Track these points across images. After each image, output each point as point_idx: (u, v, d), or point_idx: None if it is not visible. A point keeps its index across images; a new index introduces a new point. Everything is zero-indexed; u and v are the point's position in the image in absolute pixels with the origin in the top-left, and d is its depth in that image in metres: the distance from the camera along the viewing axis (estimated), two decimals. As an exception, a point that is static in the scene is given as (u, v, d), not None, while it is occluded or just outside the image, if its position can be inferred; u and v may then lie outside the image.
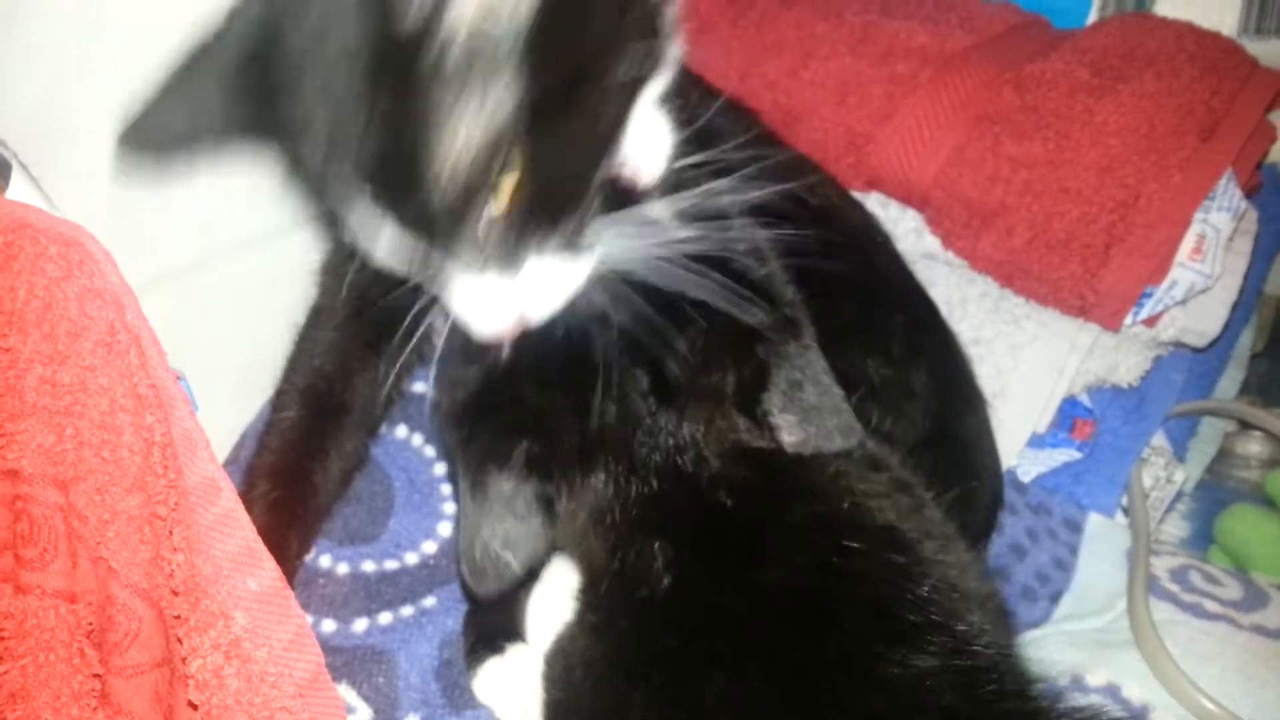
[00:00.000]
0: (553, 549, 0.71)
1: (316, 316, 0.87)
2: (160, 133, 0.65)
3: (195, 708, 0.55)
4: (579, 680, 0.66)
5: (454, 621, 0.80)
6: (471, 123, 0.55)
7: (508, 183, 0.58)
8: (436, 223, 0.58)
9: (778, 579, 0.61)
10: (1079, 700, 0.61)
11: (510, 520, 0.66)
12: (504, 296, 0.61)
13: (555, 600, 0.76)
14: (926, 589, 0.61)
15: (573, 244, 0.62)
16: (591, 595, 0.67)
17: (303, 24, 0.58)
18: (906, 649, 0.58)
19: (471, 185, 0.56)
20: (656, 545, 0.63)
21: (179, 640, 0.56)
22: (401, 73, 0.54)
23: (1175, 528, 1.06)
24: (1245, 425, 1.10)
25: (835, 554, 0.62)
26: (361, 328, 0.83)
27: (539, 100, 0.56)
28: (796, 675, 0.58)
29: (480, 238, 0.59)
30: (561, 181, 0.61)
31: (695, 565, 0.63)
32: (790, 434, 0.67)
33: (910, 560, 0.63)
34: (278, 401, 0.86)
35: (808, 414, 0.67)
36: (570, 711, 0.67)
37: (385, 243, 0.60)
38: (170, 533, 0.56)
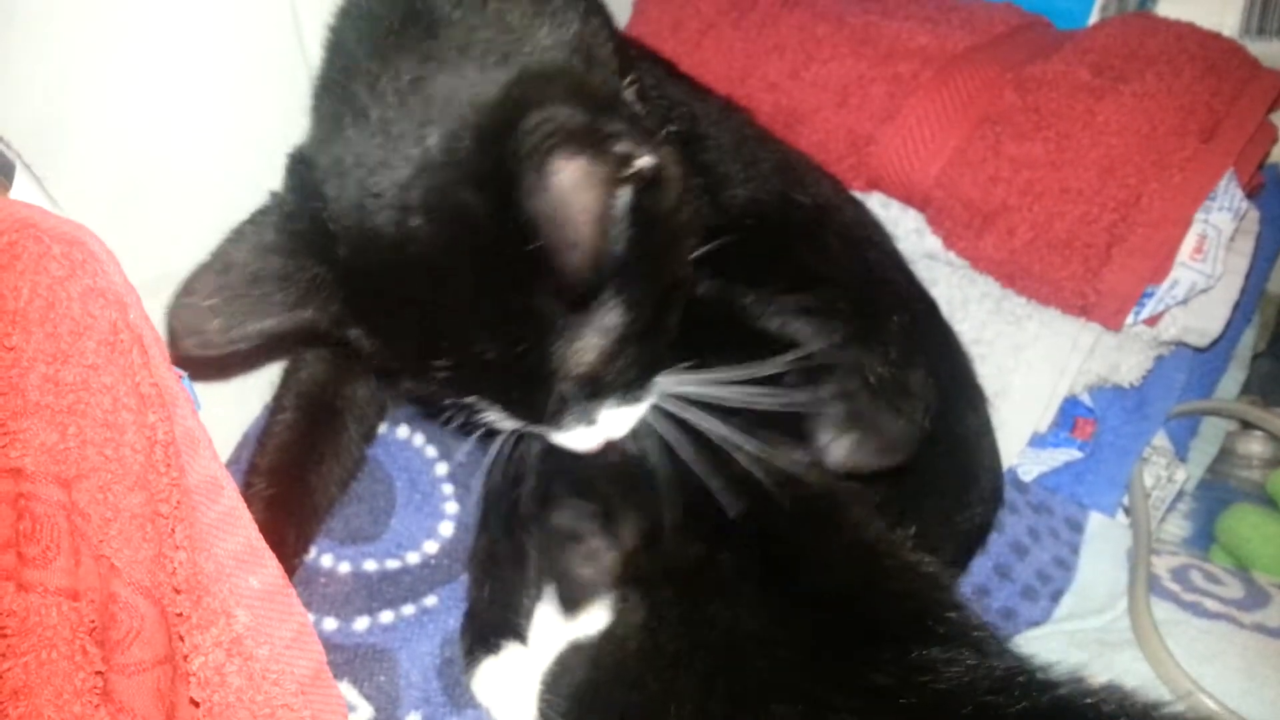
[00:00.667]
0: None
1: None
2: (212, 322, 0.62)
3: (197, 705, 0.55)
4: (614, 676, 0.67)
5: (455, 620, 0.80)
6: (595, 333, 0.61)
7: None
8: (541, 409, 0.64)
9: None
10: (1093, 684, 0.62)
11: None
12: (589, 436, 0.67)
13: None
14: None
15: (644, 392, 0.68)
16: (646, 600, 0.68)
17: (408, 231, 0.58)
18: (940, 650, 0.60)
19: (585, 379, 0.63)
20: (718, 556, 0.66)
21: (181, 638, 0.57)
22: (526, 290, 0.58)
23: (1176, 527, 1.06)
24: (1247, 425, 1.10)
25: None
26: None
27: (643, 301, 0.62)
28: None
29: (574, 411, 0.65)
30: (646, 353, 0.65)
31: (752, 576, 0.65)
32: (836, 455, 0.69)
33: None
34: (275, 405, 0.86)
35: (854, 431, 0.68)
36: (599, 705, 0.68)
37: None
38: (172, 531, 0.57)
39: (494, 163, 0.55)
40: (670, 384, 0.68)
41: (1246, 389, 1.14)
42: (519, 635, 0.75)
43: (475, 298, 0.58)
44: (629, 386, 0.66)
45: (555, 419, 0.65)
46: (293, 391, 0.85)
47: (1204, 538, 1.04)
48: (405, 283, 0.59)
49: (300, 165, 0.64)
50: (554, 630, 0.76)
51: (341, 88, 0.64)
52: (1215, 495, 1.07)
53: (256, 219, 0.62)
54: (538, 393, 0.62)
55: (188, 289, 0.59)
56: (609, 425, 0.67)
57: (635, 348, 0.63)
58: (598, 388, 0.64)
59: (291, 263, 0.59)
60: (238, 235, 0.61)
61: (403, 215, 0.58)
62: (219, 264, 0.59)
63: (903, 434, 0.70)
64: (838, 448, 0.68)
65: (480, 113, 0.57)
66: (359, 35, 0.66)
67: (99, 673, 0.54)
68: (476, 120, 0.57)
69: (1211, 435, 1.09)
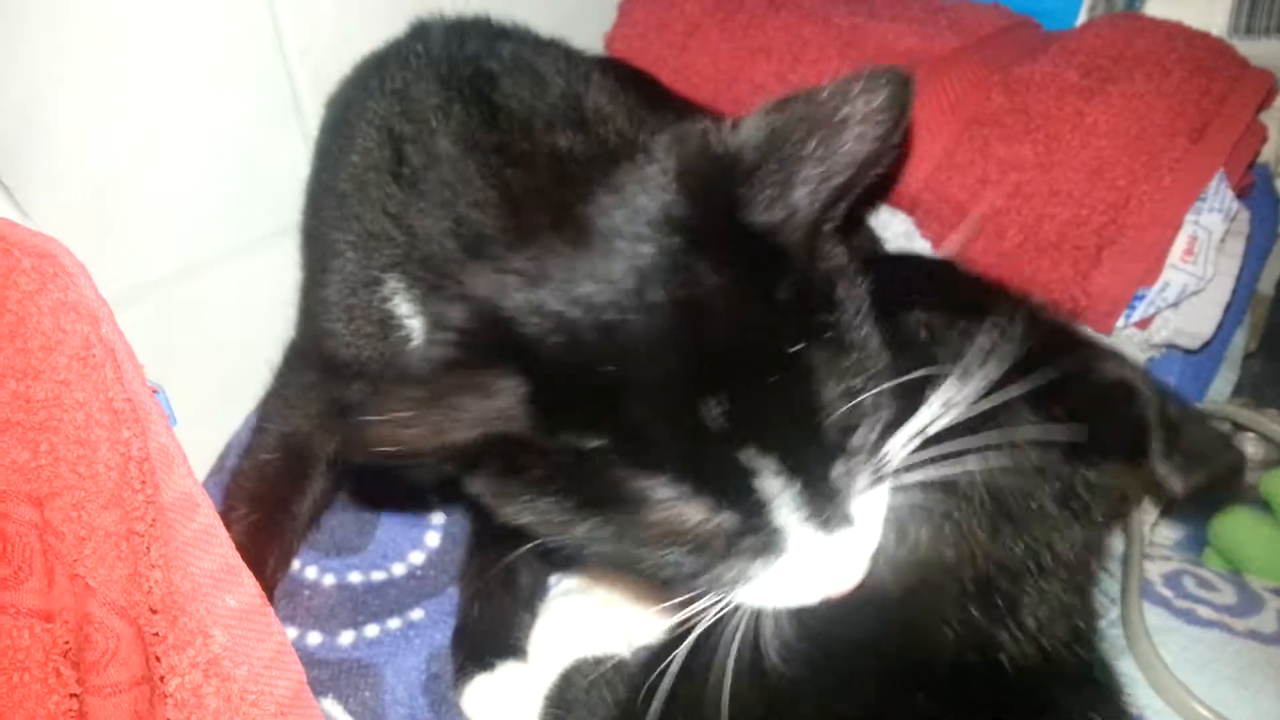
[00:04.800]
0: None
1: (295, 358, 0.86)
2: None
3: (174, 727, 0.54)
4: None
5: (442, 635, 0.79)
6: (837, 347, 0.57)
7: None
8: (817, 453, 0.56)
9: None
10: None
11: None
12: (856, 547, 0.59)
13: (567, 624, 0.77)
14: None
15: (881, 470, 0.61)
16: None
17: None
18: None
19: (841, 423, 0.56)
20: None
21: (158, 658, 0.56)
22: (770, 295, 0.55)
23: (1168, 531, 1.05)
24: (1239, 427, 1.09)
25: None
26: (335, 382, 0.82)
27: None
28: None
29: (837, 484, 0.58)
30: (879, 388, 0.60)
31: None
32: (1179, 483, 0.66)
33: None
34: (258, 439, 0.86)
35: (1191, 462, 0.66)
36: None
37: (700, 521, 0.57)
38: (148, 549, 0.56)
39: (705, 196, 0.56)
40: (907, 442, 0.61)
41: (1238, 390, 1.13)
42: (514, 652, 0.75)
43: (731, 325, 0.55)
44: (873, 452, 0.60)
45: (824, 509, 0.57)
46: (278, 430, 0.84)
47: (1197, 541, 1.03)
48: (653, 344, 0.54)
49: (456, 291, 0.61)
50: (559, 646, 0.76)
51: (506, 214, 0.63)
52: (1207, 498, 1.06)
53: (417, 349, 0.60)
54: (811, 436, 0.56)
55: (368, 407, 0.53)
56: (868, 523, 0.60)
57: (871, 373, 0.58)
58: (848, 459, 0.58)
59: (479, 374, 0.55)
60: (406, 357, 0.60)
61: (636, 297, 0.55)
62: (394, 378, 0.57)
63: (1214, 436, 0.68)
64: (1178, 477, 0.66)
65: (674, 171, 0.57)
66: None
67: (74, 695, 0.54)
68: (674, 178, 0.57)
69: (1203, 437, 1.08)
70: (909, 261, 0.82)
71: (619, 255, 0.55)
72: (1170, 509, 0.91)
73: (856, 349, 0.58)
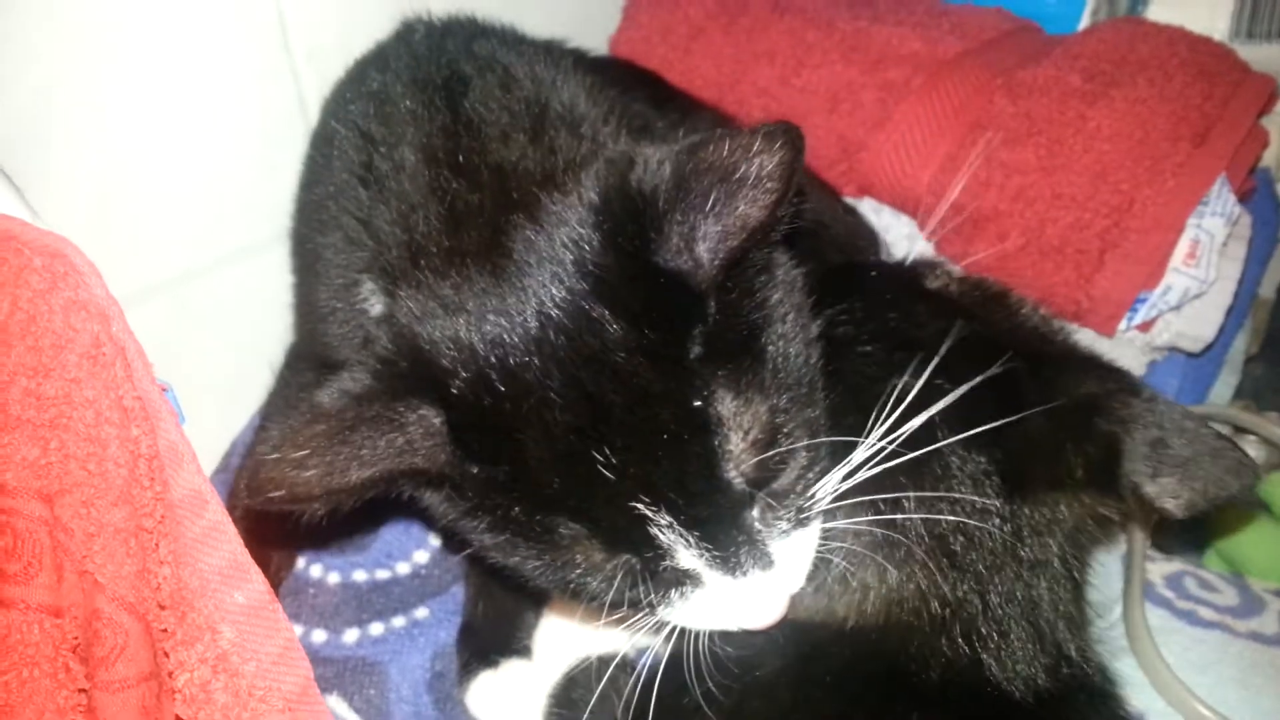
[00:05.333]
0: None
1: (294, 359, 0.87)
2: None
3: (182, 722, 0.55)
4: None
5: (446, 633, 0.80)
6: (753, 391, 0.57)
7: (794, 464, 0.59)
8: (719, 510, 0.57)
9: None
10: None
11: None
12: (772, 588, 0.60)
13: (572, 623, 0.76)
14: None
15: (806, 513, 0.61)
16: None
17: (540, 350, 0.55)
18: None
19: (753, 473, 0.57)
20: None
21: (166, 654, 0.56)
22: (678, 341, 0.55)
23: (1170, 532, 1.05)
24: (1240, 430, 1.09)
25: None
26: None
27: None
28: None
29: (746, 546, 0.58)
30: (808, 431, 0.60)
31: None
32: (1174, 500, 0.62)
33: None
34: (260, 437, 0.85)
35: (1186, 469, 0.62)
36: None
37: (613, 572, 0.58)
38: (157, 545, 0.56)
39: (624, 228, 0.55)
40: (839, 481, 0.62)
41: (1239, 393, 1.13)
42: (519, 650, 0.75)
43: (629, 377, 0.55)
44: (799, 496, 0.60)
45: (730, 554, 0.58)
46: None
47: (1198, 542, 1.03)
48: (550, 392, 0.55)
49: (389, 319, 0.62)
50: (565, 645, 0.76)
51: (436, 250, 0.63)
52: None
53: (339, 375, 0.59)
54: (712, 487, 0.56)
55: (270, 442, 0.54)
56: (788, 566, 0.60)
57: (796, 420, 0.59)
58: (768, 500, 0.59)
59: (393, 407, 0.55)
60: (326, 388, 0.57)
61: (538, 343, 0.55)
62: (306, 414, 0.55)
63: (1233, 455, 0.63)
64: (1172, 498, 0.62)
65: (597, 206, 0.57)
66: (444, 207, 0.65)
67: (82, 690, 0.54)
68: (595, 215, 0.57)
69: (1205, 440, 1.08)
70: (874, 278, 0.79)
71: (530, 294, 0.56)
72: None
73: (781, 394, 0.58)
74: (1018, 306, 0.76)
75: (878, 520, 0.62)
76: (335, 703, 0.75)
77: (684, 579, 0.59)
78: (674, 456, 0.54)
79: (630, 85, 0.91)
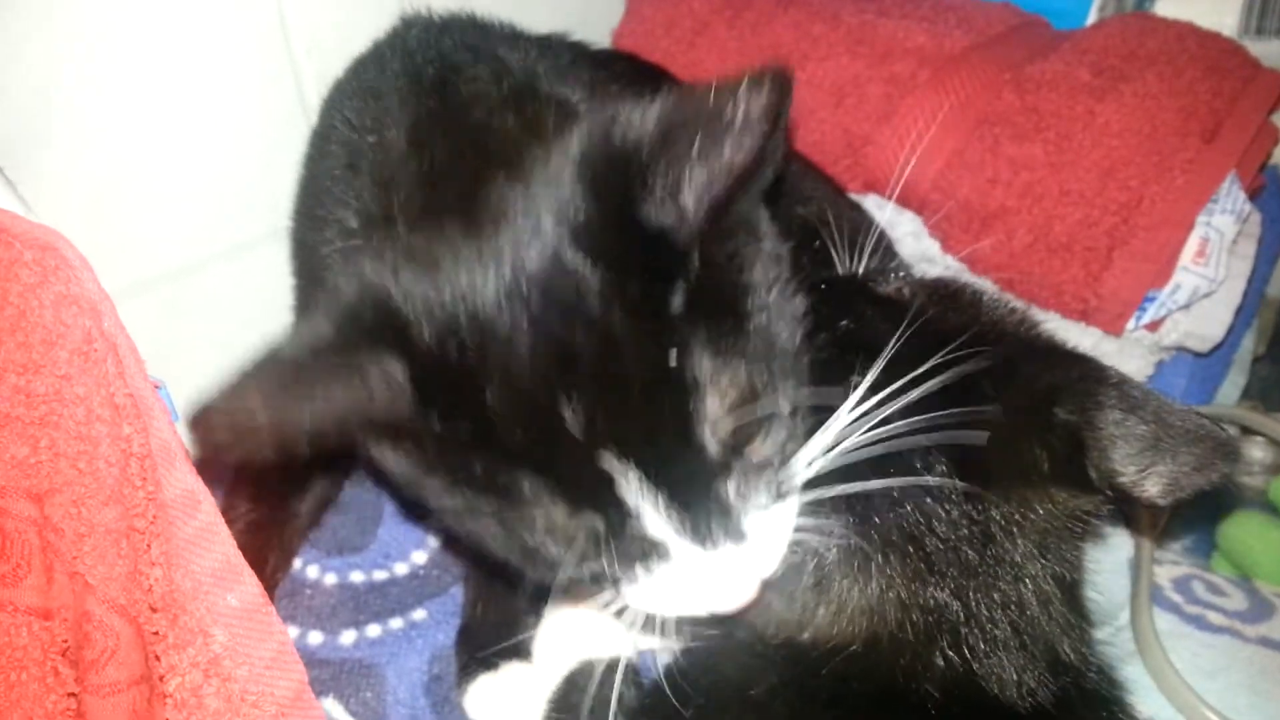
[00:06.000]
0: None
1: None
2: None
3: (174, 727, 0.54)
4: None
5: (444, 635, 0.79)
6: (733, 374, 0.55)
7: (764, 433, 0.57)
8: (690, 470, 0.55)
9: None
10: None
11: None
12: (744, 565, 0.58)
13: (572, 626, 0.75)
14: None
15: (784, 487, 0.60)
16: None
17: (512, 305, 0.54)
18: None
19: (729, 440, 0.55)
20: None
21: (157, 658, 0.55)
22: (662, 335, 0.53)
23: (1176, 535, 1.05)
24: (1247, 430, 1.08)
25: None
26: None
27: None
28: None
29: (726, 499, 0.56)
30: (786, 398, 0.59)
31: None
32: (1153, 486, 0.59)
33: None
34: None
35: (1159, 452, 0.58)
36: None
37: (582, 540, 0.56)
38: (149, 547, 0.55)
39: (608, 180, 0.54)
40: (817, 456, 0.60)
41: (1247, 394, 1.12)
42: (518, 652, 0.74)
43: (604, 326, 0.53)
44: (775, 470, 0.58)
45: (701, 522, 0.56)
46: None
47: (1205, 545, 1.02)
48: (519, 341, 0.53)
49: (356, 270, 0.59)
50: (564, 648, 0.75)
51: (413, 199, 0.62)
52: (1215, 502, 1.05)
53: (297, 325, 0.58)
54: (685, 448, 0.54)
55: (222, 392, 0.52)
56: (761, 542, 0.58)
57: (777, 390, 0.57)
58: (743, 473, 0.57)
59: (354, 356, 0.53)
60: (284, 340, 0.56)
61: (514, 282, 0.54)
62: (261, 363, 0.53)
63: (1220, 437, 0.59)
64: (1153, 483, 0.59)
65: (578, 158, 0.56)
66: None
67: (72, 694, 0.53)
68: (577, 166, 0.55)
69: (1212, 441, 1.07)
70: (826, 289, 0.76)
71: (504, 246, 0.54)
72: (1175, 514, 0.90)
73: (760, 360, 0.56)
74: (975, 302, 0.74)
75: (848, 524, 0.61)
76: (331, 705, 0.74)
77: (649, 551, 0.56)
78: (646, 412, 0.53)
79: (633, 80, 0.90)
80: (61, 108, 0.75)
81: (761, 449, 0.57)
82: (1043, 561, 0.62)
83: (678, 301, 0.54)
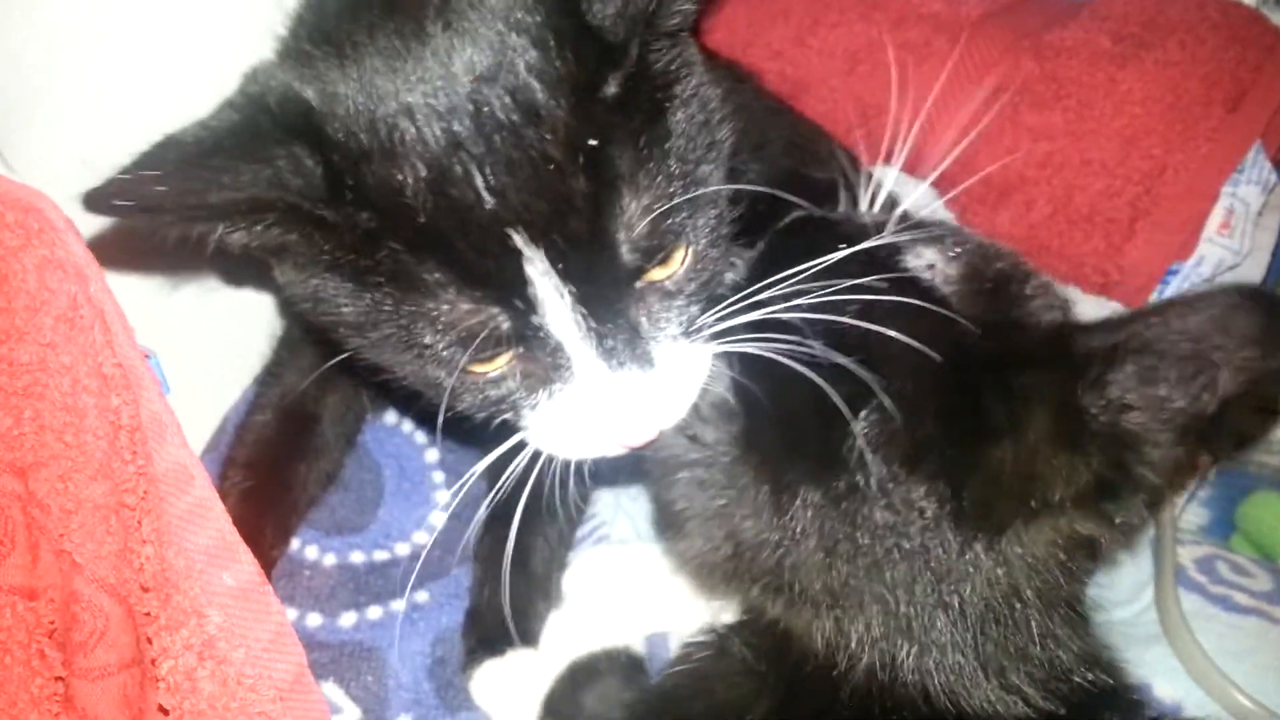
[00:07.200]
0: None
1: (288, 340, 0.85)
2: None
3: (166, 713, 0.51)
4: None
5: (448, 617, 0.77)
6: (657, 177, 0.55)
7: (678, 253, 0.57)
8: (608, 292, 0.54)
9: None
10: None
11: None
12: (649, 393, 0.57)
13: (583, 614, 0.75)
14: None
15: (698, 327, 0.59)
16: None
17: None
18: None
19: (639, 247, 0.54)
20: None
21: (149, 640, 0.53)
22: (592, 126, 0.53)
23: (1194, 515, 1.02)
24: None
25: None
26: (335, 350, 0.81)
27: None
28: None
29: (636, 317, 0.56)
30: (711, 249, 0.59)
31: None
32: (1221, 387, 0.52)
33: None
34: (254, 406, 0.84)
35: (1202, 371, 0.52)
36: None
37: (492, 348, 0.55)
38: (139, 523, 0.53)
39: None
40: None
41: (1265, 371, 1.10)
42: (525, 637, 0.72)
43: (526, 97, 0.52)
44: (688, 301, 0.58)
45: (608, 333, 0.55)
46: (273, 392, 0.83)
47: (1223, 526, 1.00)
48: (434, 112, 0.53)
49: (266, 66, 0.59)
50: (572, 635, 0.74)
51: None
52: (1234, 481, 1.03)
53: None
54: (597, 241, 0.53)
55: (122, 170, 0.51)
56: (668, 372, 0.57)
57: (696, 214, 0.57)
58: (654, 299, 0.57)
59: (263, 142, 0.52)
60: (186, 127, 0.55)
61: (442, 66, 0.53)
62: (163, 144, 0.52)
63: None
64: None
65: None
66: None
67: (59, 678, 0.52)
68: None
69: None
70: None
71: (433, 41, 0.53)
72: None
73: (680, 181, 0.56)
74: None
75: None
76: (331, 690, 0.72)
77: (552, 371, 0.56)
78: (560, 193, 0.52)
79: None
80: (51, 75, 0.73)
81: (674, 272, 0.57)
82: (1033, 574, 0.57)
83: (610, 90, 0.53)
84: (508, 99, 0.51)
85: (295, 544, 0.80)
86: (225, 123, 0.53)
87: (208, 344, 0.85)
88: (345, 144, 0.52)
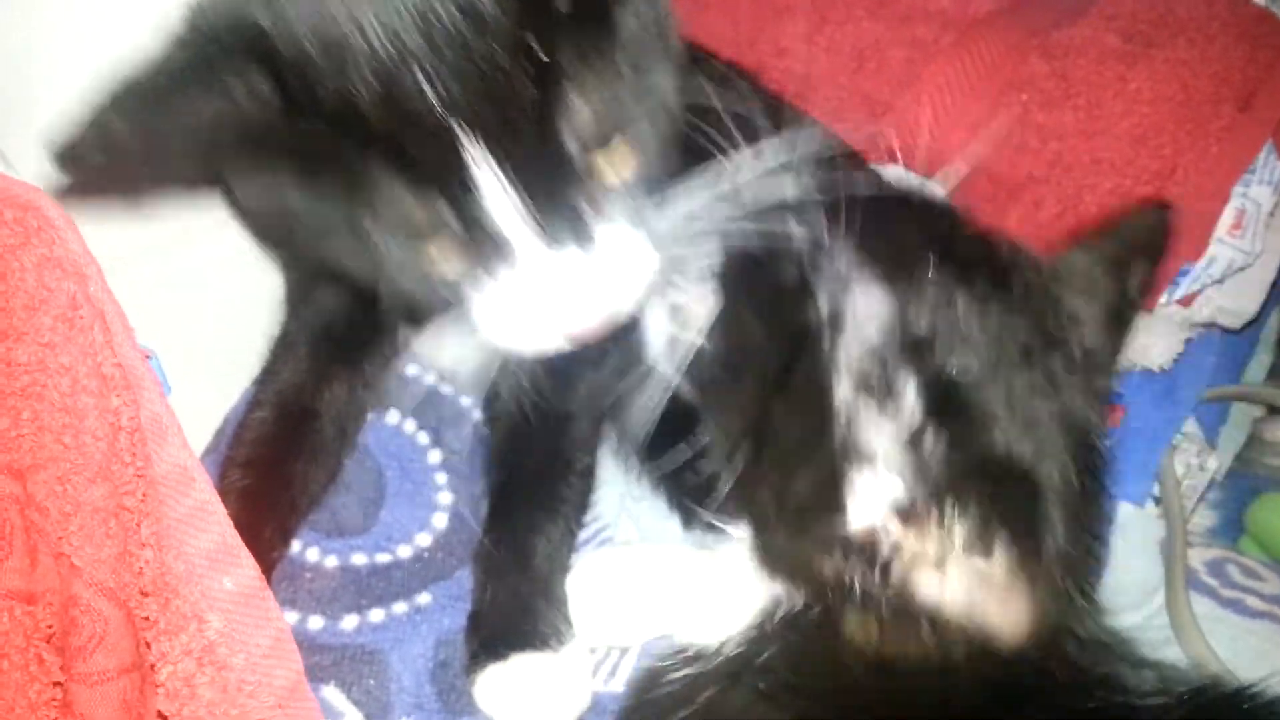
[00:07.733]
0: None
1: (286, 336, 0.85)
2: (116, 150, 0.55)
3: (165, 718, 0.51)
4: None
5: (450, 620, 0.76)
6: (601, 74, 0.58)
7: (624, 150, 0.60)
8: (551, 180, 0.57)
9: None
10: None
11: None
12: (592, 275, 0.60)
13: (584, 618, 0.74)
14: None
15: (641, 213, 0.62)
16: None
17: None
18: None
19: (585, 131, 0.57)
20: None
21: (148, 645, 0.52)
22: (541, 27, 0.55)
23: (1202, 517, 1.02)
24: (1274, 410, 1.06)
25: None
26: (332, 347, 0.83)
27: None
28: None
29: (580, 205, 0.59)
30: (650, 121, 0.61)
31: None
32: None
33: None
34: (253, 403, 0.83)
35: None
36: None
37: (449, 233, 0.58)
38: (138, 526, 0.52)
39: None
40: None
41: (1273, 373, 1.10)
42: (528, 640, 0.71)
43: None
44: (635, 189, 0.61)
45: (548, 217, 0.58)
46: (271, 389, 0.82)
47: (1231, 528, 1.00)
48: (383, 20, 0.54)
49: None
50: (580, 637, 0.73)
51: None
52: (1242, 484, 1.03)
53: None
54: (539, 134, 0.56)
55: (83, 124, 0.53)
56: (610, 252, 0.60)
57: (643, 112, 0.60)
58: (598, 188, 0.59)
59: (214, 70, 0.54)
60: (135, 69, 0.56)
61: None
62: (118, 92, 0.54)
63: None
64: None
65: None
66: None
67: (58, 684, 0.51)
68: None
69: (1241, 421, 1.05)
70: None
71: None
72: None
73: (629, 87, 0.59)
74: None
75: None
76: (332, 693, 0.71)
77: (493, 253, 0.58)
78: (508, 98, 0.55)
79: None
80: (51, 70, 0.72)
81: (620, 172, 0.60)
82: None
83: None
84: (454, 9, 0.54)
85: (296, 546, 0.79)
86: (174, 59, 0.55)
87: (209, 344, 0.85)
88: (297, 62, 0.55)
